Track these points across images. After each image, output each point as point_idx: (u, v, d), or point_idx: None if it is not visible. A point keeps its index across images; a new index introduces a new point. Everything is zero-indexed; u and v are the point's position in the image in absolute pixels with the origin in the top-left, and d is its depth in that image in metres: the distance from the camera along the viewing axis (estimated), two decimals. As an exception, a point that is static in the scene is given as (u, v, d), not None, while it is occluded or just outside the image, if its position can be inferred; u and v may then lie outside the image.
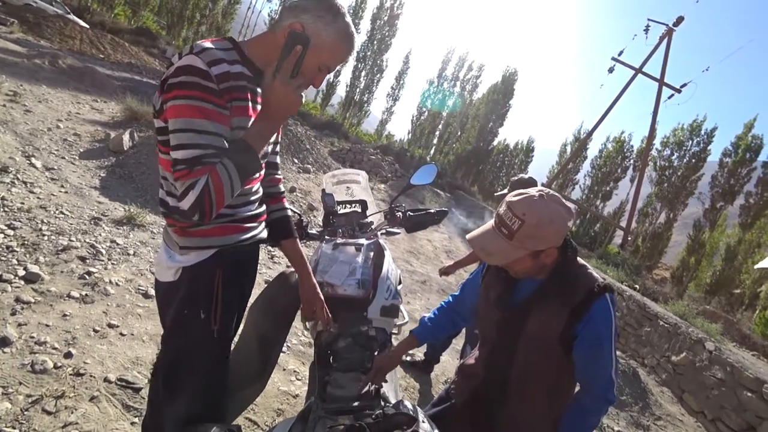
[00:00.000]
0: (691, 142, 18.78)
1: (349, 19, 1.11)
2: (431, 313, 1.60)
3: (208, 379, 1.24)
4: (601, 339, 1.18)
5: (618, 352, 1.31)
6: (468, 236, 1.27)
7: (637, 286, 8.28)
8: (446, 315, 1.58)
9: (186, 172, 0.98)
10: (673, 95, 16.20)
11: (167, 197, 1.17)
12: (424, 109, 25.87)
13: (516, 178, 2.75)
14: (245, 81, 1.10)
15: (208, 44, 1.06)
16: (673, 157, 19.18)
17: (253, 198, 1.26)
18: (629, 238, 16.76)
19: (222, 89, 1.03)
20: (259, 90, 1.16)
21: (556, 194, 1.20)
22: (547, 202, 1.15)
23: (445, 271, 3.13)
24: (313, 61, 1.08)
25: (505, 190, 2.57)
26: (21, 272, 2.49)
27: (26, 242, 2.82)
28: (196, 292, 1.17)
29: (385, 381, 1.38)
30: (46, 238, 2.97)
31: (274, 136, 1.27)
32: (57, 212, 3.42)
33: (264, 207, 1.35)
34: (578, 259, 1.29)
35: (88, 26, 15.55)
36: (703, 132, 18.64)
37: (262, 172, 1.29)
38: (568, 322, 1.18)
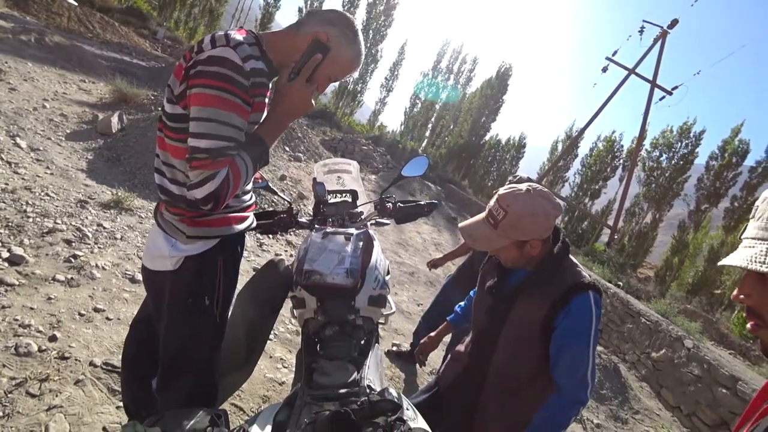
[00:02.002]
0: (680, 144, 18.99)
1: (362, 39, 1.21)
2: (463, 302, 1.81)
3: (208, 363, 1.30)
4: (578, 335, 1.20)
5: (600, 348, 1.36)
6: (460, 224, 1.37)
7: (621, 284, 8.44)
8: (472, 303, 1.70)
9: (208, 162, 1.00)
10: (664, 97, 16.47)
11: (171, 185, 1.17)
12: (418, 101, 25.70)
13: (515, 178, 2.75)
14: (265, 78, 1.12)
15: (239, 37, 1.07)
16: (662, 159, 19.41)
17: (248, 188, 1.33)
18: (616, 237, 17.03)
19: (250, 86, 1.05)
20: (270, 85, 1.20)
21: (545, 190, 1.24)
22: (533, 196, 1.20)
23: (434, 264, 3.15)
24: (325, 71, 1.16)
25: None
26: (5, 254, 2.45)
27: (10, 224, 2.78)
28: (201, 280, 1.22)
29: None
30: (30, 220, 2.92)
31: None
32: (42, 194, 3.36)
33: (254, 197, 1.41)
34: (570, 257, 1.32)
35: (76, 3, 15.11)
36: (691, 135, 18.87)
37: None
38: (549, 312, 1.21)
